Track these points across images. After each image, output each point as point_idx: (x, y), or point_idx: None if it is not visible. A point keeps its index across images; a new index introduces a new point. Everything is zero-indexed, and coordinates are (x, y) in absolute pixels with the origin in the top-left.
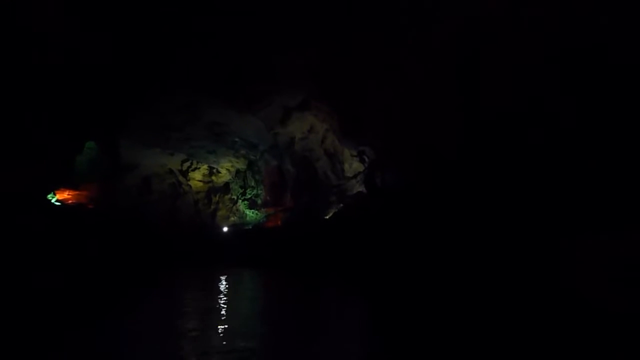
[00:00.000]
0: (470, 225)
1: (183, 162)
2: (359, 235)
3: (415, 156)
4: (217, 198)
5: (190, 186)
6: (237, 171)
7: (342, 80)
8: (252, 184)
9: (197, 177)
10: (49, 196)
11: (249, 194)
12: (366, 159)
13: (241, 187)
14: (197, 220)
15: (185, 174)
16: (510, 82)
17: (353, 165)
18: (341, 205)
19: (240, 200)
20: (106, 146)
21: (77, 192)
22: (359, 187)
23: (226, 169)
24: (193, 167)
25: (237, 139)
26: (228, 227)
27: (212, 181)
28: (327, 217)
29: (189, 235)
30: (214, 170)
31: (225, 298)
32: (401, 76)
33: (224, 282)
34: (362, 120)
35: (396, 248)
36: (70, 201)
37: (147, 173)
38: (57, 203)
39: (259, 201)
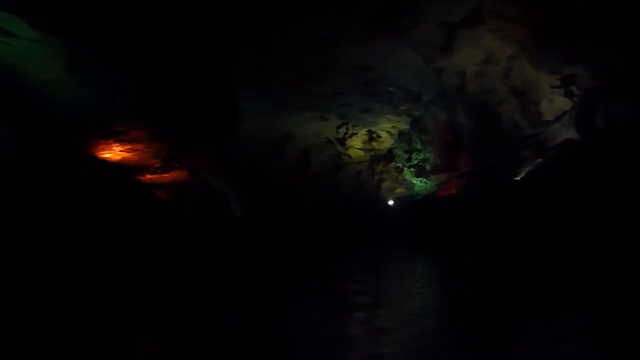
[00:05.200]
0: None
1: (338, 127)
2: (572, 204)
3: None
4: (380, 167)
5: (350, 156)
6: (400, 133)
7: None
8: (418, 146)
9: (356, 145)
10: None
11: (415, 159)
12: (575, 90)
13: (406, 152)
14: (360, 194)
15: (343, 142)
16: None
17: (554, 103)
18: (539, 160)
19: (406, 168)
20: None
21: (130, 146)
22: (565, 133)
23: (386, 131)
24: (350, 132)
25: (392, 88)
26: (394, 200)
27: (373, 148)
28: (518, 178)
29: (350, 212)
30: (374, 135)
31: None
32: None
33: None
34: (574, 12)
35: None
36: (126, 162)
37: (304, 145)
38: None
39: (427, 166)
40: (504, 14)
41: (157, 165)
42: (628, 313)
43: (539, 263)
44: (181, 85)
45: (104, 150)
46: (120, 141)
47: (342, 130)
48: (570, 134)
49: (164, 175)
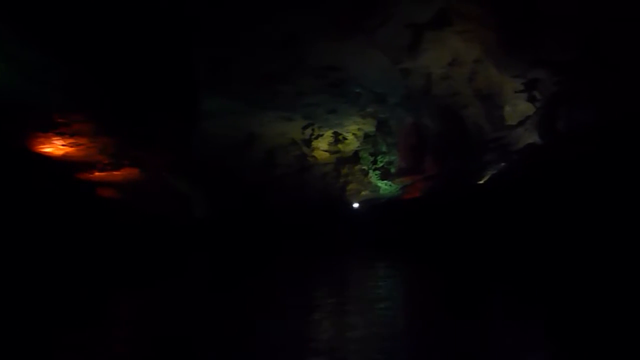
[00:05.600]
0: None
1: (304, 128)
2: (534, 208)
3: None
4: (345, 169)
5: (316, 157)
6: (366, 135)
7: None
8: (384, 149)
9: (322, 147)
10: None
11: (380, 161)
12: (537, 95)
13: (371, 155)
14: (325, 196)
15: (308, 143)
16: None
17: (518, 107)
18: (502, 164)
19: (371, 171)
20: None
21: (73, 140)
22: (528, 138)
23: (352, 133)
24: (315, 134)
25: (359, 89)
26: (359, 202)
27: (339, 150)
28: (482, 181)
29: (316, 214)
30: (340, 137)
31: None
32: None
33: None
34: (538, 14)
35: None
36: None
37: (270, 145)
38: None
39: (393, 169)
40: (470, 16)
41: (106, 161)
42: (590, 313)
43: (503, 266)
44: (131, 75)
45: (43, 144)
46: (62, 134)
47: (308, 131)
48: (533, 138)
49: (114, 172)
